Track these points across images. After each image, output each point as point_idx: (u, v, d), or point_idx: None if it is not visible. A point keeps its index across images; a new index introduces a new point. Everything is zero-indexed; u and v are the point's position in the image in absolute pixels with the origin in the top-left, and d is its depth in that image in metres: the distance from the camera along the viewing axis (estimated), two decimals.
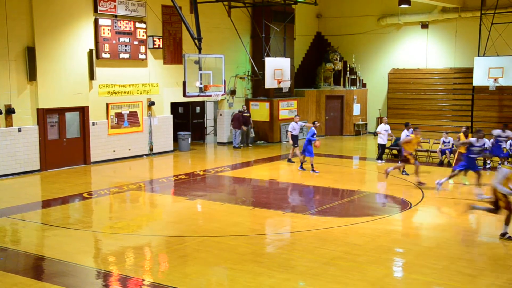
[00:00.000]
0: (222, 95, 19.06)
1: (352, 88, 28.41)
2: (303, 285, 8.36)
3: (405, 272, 9.12)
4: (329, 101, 28.13)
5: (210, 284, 8.46)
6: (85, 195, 14.68)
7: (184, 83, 17.27)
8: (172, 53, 21.65)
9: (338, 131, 28.17)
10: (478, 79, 23.00)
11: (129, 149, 20.53)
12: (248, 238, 10.72)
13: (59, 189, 15.33)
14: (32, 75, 17.32)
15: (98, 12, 18.87)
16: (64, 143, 18.52)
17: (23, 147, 17.28)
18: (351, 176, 18.26)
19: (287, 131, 21.16)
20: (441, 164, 19.09)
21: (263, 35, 23.70)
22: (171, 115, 22.30)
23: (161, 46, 21.02)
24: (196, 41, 17.90)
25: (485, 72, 22.62)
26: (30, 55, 17.24)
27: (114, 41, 19.35)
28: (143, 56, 20.45)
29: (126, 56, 19.84)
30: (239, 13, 24.10)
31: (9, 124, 16.94)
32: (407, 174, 17.03)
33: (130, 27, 19.87)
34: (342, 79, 28.62)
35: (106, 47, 19.12)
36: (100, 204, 14.05)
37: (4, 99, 16.80)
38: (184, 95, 17.50)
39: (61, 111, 18.36)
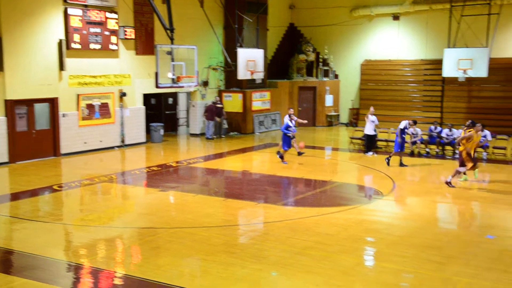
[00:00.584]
0: (195, 86, 18.97)
1: (324, 79, 28.55)
2: (276, 275, 8.40)
3: (376, 260, 9.24)
4: (302, 92, 28.23)
5: (183, 275, 8.44)
6: (55, 187, 14.47)
7: (156, 74, 17.16)
8: (144, 44, 21.43)
9: (310, 122, 28.29)
10: (448, 71, 23.33)
11: (101, 141, 20.29)
12: (220, 229, 10.71)
13: (28, 181, 15.08)
14: None
15: (68, 1, 18.53)
16: (33, 134, 18.20)
17: None
18: (324, 167, 18.38)
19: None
20: (411, 154, 19.32)
21: (236, 26, 23.62)
22: (143, 107, 22.10)
23: (133, 36, 20.77)
24: (168, 31, 17.76)
25: (455, 63, 22.96)
26: None
27: (84, 31, 19.05)
28: (114, 47, 20.19)
29: (97, 46, 19.55)
30: (211, 4, 23.94)
31: None
32: (406, 166, 17.15)
33: (101, 17, 19.57)
34: (315, 70, 28.74)
35: (77, 37, 18.81)
36: (70, 196, 13.87)
37: None
38: (157, 86, 17.38)
39: (30, 102, 18.02)
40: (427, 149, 19.50)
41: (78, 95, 19.30)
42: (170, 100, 25.92)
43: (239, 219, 12.01)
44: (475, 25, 23.79)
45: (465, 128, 14.45)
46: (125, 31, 20.45)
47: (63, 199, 13.63)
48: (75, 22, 18.72)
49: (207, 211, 12.08)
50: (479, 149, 18.74)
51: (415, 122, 18.23)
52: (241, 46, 23.54)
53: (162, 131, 22.71)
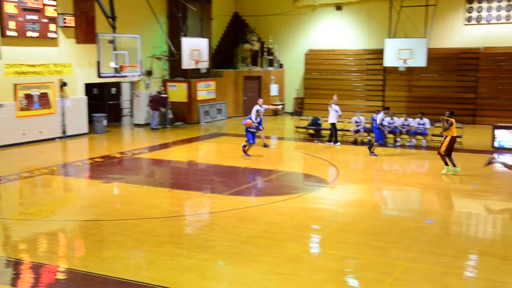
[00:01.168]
0: (139, 76, 18.71)
1: (269, 68, 28.66)
2: (222, 264, 8.40)
3: (321, 248, 9.39)
4: (247, 81, 28.24)
5: (128, 267, 8.32)
6: None
7: (98, 64, 16.78)
8: (85, 32, 20.82)
9: None
10: (389, 60, 23.90)
11: (41, 132, 19.67)
12: (166, 220, 10.61)
13: None
14: None
15: None
16: None
17: None
18: (270, 156, 18.49)
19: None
20: (355, 143, 19.71)
21: (180, 14, 23.33)
22: (85, 96, 21.54)
23: (72, 24, 20.16)
24: (110, 20, 17.36)
25: (396, 53, 23.54)
26: None
27: (20, 18, 18.34)
28: (53, 35, 19.54)
29: (35, 34, 18.88)
30: None
31: None
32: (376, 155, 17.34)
33: (38, 4, 18.88)
34: (259, 59, 28.79)
35: (12, 24, 18.09)
36: (9, 189, 13.38)
37: None
38: (99, 76, 17.01)
39: None
40: (369, 137, 19.92)
41: (15, 85, 18.61)
42: (113, 90, 25.39)
43: (185, 209, 11.94)
44: (414, 16, 24.44)
45: (444, 117, 14.82)
46: (65, 18, 19.82)
47: (0, 193, 13.13)
48: (9, 9, 17.98)
49: (152, 202, 11.93)
50: (418, 137, 19.35)
51: (387, 109, 18.23)
52: (185, 35, 23.29)
53: (105, 122, 22.23)
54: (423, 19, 23.99)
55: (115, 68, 17.03)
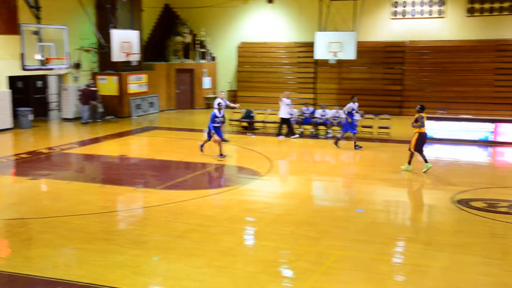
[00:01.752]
0: (66, 68, 18.11)
1: (202, 61, 28.49)
2: (157, 259, 8.31)
3: (255, 239, 9.47)
4: (179, 74, 27.96)
5: (57, 266, 8.06)
6: None
7: (22, 56, 16.10)
8: (7, 23, 19.85)
9: (189, 105, 28.17)
10: (320, 53, 24.31)
11: None
12: (98, 216, 10.37)
13: None
14: None
15: None
16: None
17: None
18: (203, 149, 18.40)
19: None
20: (287, 135, 19.92)
21: (109, 5, 22.75)
22: (9, 90, 20.62)
23: None
24: (34, 10, 16.68)
25: (326, 46, 23.97)
26: None
27: None
28: None
29: None
30: None
31: None
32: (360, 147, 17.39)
33: None
34: (191, 52, 28.56)
35: None
36: None
37: None
38: (23, 68, 16.32)
39: None
40: (301, 129, 20.22)
41: None
42: (39, 83, 24.46)
43: (117, 205, 11.71)
44: (344, 10, 24.99)
45: (416, 112, 14.13)
46: None
47: None
48: None
49: (83, 199, 11.61)
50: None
51: (354, 97, 18.18)
52: (115, 27, 22.75)
53: (31, 116, 21.38)
54: (351, 13, 24.55)
55: (41, 61, 16.40)
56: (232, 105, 20.29)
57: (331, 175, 14.30)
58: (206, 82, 28.54)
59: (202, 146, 16.41)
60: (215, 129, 15.62)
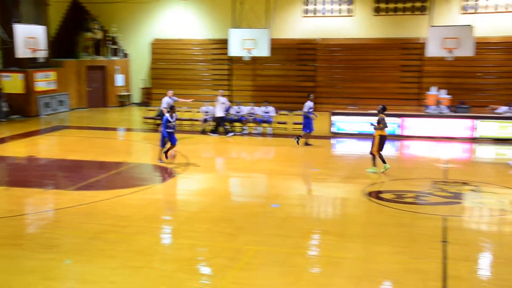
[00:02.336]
0: None
1: (114, 58, 27.78)
2: (69, 262, 8.01)
3: (172, 238, 9.37)
4: (90, 71, 27.11)
5: None
6: None
7: None
8: None
9: (101, 103, 27.40)
10: (234, 50, 24.39)
11: None
12: (4, 221, 9.84)
13: None
14: None
15: None
16: None
17: None
18: (117, 148, 17.99)
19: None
20: (203, 132, 19.88)
21: None
22: None
23: None
24: None
25: (240, 43, 24.09)
26: None
27: None
28: None
29: None
30: None
31: None
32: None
33: None
34: (103, 49, 27.77)
35: None
36: None
37: None
38: None
39: None
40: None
41: None
42: None
43: (26, 208, 11.17)
44: (257, 7, 25.25)
45: (377, 113, 13.82)
46: None
47: None
48: None
49: None
50: (264, 124, 20.06)
51: (311, 94, 18.10)
52: (18, 22, 21.66)
53: None
54: (264, 10, 24.86)
55: None
56: (183, 100, 19.71)
57: (247, 172, 14.41)
58: (119, 80, 27.88)
59: (165, 154, 14.73)
60: (169, 135, 14.38)
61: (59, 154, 16.43)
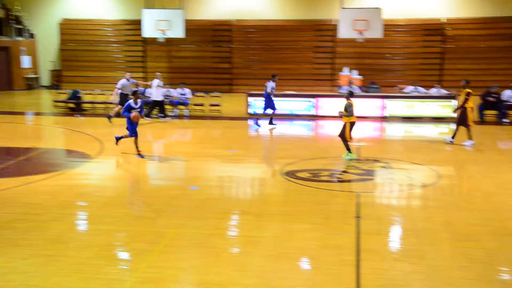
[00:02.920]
0: None
1: (19, 38, 26.39)
2: None
3: (88, 224, 9.10)
4: None
5: None
6: None
7: None
8: None
9: (6, 86, 26.03)
10: (148, 31, 23.90)
11: None
12: None
13: None
14: None
15: None
16: None
17: None
18: (26, 133, 17.17)
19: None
20: (118, 115, 19.37)
21: None
22: None
23: None
24: None
25: (154, 24, 23.62)
26: None
27: None
28: None
29: None
30: None
31: None
32: None
33: None
34: (6, 29, 26.28)
35: None
36: None
37: None
38: None
39: None
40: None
41: None
42: None
43: None
44: None
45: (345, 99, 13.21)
46: None
47: None
48: None
49: None
50: (180, 107, 19.85)
51: (275, 76, 17.67)
52: None
53: None
54: None
55: None
56: (143, 83, 19.08)
57: (164, 154, 14.24)
58: (26, 61, 26.55)
59: (137, 148, 13.53)
60: (130, 124, 13.22)
61: None
